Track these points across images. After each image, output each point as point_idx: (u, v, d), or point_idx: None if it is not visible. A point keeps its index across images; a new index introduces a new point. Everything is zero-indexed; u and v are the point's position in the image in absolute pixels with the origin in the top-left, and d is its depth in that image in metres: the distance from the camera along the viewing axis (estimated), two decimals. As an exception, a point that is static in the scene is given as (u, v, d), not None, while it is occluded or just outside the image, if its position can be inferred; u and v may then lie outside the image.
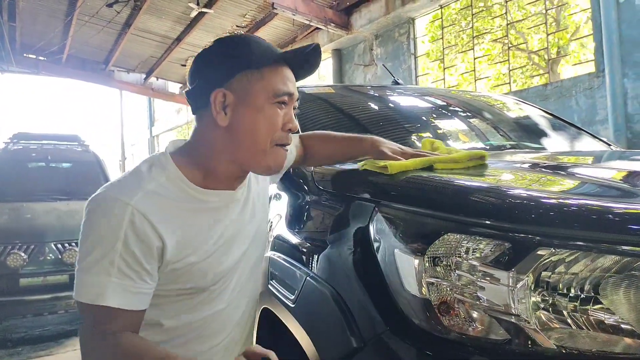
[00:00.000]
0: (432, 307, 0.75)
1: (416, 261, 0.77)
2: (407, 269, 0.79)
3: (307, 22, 7.68)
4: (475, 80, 7.41)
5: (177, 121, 16.61)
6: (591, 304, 0.63)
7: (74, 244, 3.85)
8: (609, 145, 2.06)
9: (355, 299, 0.89)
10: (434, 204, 0.83)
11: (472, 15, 7.68)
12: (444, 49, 7.82)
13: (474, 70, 7.53)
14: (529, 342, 0.66)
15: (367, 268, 0.89)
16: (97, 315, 0.79)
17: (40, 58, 10.90)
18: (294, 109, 0.94)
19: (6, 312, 3.77)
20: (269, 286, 1.23)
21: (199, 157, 0.91)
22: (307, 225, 1.25)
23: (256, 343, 1.11)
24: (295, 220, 1.31)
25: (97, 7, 8.25)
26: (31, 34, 9.84)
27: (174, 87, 13.63)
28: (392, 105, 2.07)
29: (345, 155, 1.24)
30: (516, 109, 2.29)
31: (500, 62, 9.32)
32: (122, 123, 17.79)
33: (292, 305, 1.08)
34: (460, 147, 1.56)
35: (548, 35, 6.77)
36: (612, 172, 1.07)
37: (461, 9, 8.94)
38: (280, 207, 1.40)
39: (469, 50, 7.90)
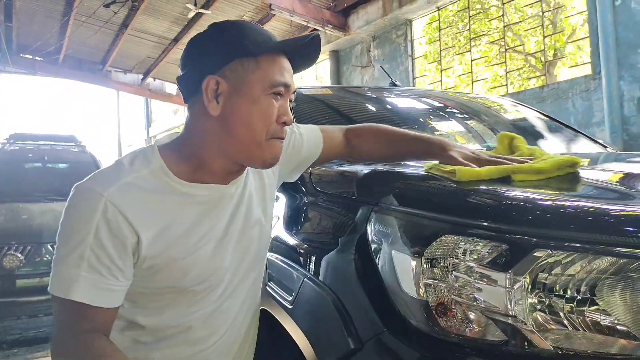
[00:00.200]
0: (430, 308, 0.75)
1: (414, 262, 0.77)
2: (404, 270, 0.79)
3: (305, 23, 7.69)
4: (473, 82, 7.44)
5: (174, 122, 16.58)
6: (587, 306, 0.63)
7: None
8: (605, 147, 2.07)
9: (353, 300, 0.89)
10: (431, 206, 0.83)
11: (469, 17, 7.71)
12: (441, 50, 7.85)
13: (471, 72, 7.55)
14: (526, 343, 0.66)
15: (365, 269, 0.89)
16: (67, 310, 0.77)
17: (37, 58, 10.89)
18: (290, 101, 0.89)
19: (2, 313, 3.75)
20: (267, 287, 1.24)
21: (189, 149, 0.86)
22: (304, 227, 1.26)
23: (255, 344, 1.09)
24: (292, 221, 1.31)
25: (94, 8, 8.25)
26: (28, 34, 9.82)
27: (171, 88, 13.62)
28: (389, 106, 2.08)
29: (406, 155, 1.15)
30: (513, 111, 2.30)
31: (497, 64, 9.34)
32: (119, 123, 17.77)
33: (290, 307, 1.08)
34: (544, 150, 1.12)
35: (545, 37, 6.80)
36: (609, 174, 1.08)
37: (458, 11, 8.97)
38: (277, 208, 1.40)
39: (466, 52, 7.93)
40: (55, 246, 0.80)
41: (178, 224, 0.83)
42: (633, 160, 1.35)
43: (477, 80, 8.14)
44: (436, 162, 1.03)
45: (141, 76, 12.68)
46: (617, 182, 0.95)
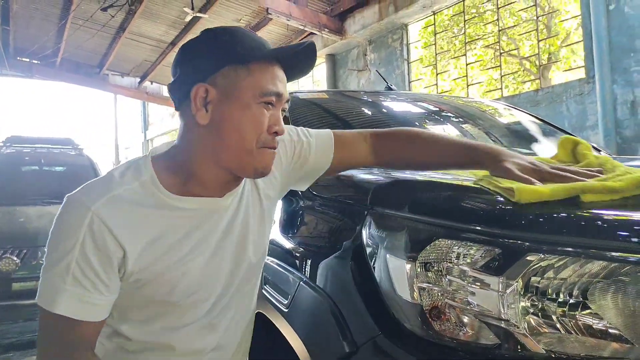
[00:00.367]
0: (424, 312, 0.75)
1: (408, 266, 0.78)
2: (399, 274, 0.80)
3: (302, 28, 7.70)
4: (468, 86, 7.46)
5: (171, 125, 16.58)
6: (579, 309, 0.64)
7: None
8: (599, 150, 2.08)
9: (348, 304, 0.90)
10: (425, 210, 0.83)
11: (465, 21, 7.75)
12: (436, 54, 7.88)
13: (467, 76, 7.58)
14: (519, 347, 0.67)
15: (360, 273, 0.90)
16: (51, 322, 0.76)
17: (34, 62, 10.86)
18: (283, 111, 0.86)
19: (-2, 316, 3.74)
20: (263, 291, 1.24)
21: (180, 160, 0.83)
22: (300, 230, 1.26)
23: (250, 347, 1.09)
24: (288, 225, 1.31)
25: (91, 11, 8.24)
26: (25, 38, 9.80)
27: (168, 91, 13.59)
28: (385, 110, 2.09)
29: (449, 164, 1.01)
30: (507, 115, 2.32)
31: (492, 67, 9.39)
32: (117, 126, 17.74)
33: (286, 310, 1.08)
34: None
35: (539, 41, 6.83)
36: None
37: (453, 16, 9.02)
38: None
39: (462, 56, 7.96)
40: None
41: (165, 238, 0.81)
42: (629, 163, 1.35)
43: (472, 84, 8.17)
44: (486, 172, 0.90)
45: (138, 79, 12.66)
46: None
